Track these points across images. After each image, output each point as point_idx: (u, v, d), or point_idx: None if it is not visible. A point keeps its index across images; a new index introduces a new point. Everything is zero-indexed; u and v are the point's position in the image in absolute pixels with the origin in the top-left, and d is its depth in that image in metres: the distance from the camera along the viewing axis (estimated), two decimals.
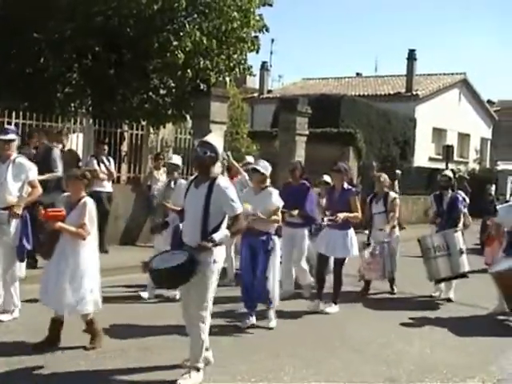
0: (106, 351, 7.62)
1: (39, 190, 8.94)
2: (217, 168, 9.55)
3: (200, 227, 6.72)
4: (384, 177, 12.60)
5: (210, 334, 7.96)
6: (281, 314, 9.89)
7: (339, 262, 10.75)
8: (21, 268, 8.87)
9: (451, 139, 38.74)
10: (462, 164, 38.72)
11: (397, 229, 12.67)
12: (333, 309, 10.63)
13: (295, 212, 10.88)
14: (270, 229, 9.27)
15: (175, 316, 7.83)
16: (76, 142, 16.43)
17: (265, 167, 9.38)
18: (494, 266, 10.94)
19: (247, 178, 11.99)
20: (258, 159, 10.32)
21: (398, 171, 25.07)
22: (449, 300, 11.92)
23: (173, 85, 17.46)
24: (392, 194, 12.54)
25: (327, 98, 28.90)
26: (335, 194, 10.72)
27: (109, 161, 14.74)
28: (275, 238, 9.30)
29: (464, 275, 11.90)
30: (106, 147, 14.85)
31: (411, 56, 37.43)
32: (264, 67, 43.52)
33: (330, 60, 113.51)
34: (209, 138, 7.08)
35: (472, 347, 9.01)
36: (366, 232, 12.53)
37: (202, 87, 16.96)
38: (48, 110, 15.36)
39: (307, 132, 20.77)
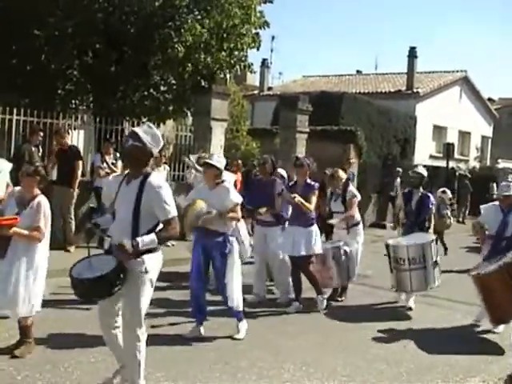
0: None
1: None
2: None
3: (130, 231, 5.88)
4: (339, 173, 11.46)
5: (211, 329, 8.03)
6: (280, 313, 9.97)
7: (304, 261, 10.32)
8: None
9: (452, 137, 38.68)
10: (462, 162, 38.63)
11: (360, 229, 11.53)
12: (322, 303, 10.45)
13: (263, 210, 10.39)
14: (227, 229, 8.47)
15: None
16: (77, 138, 16.42)
17: (218, 161, 8.60)
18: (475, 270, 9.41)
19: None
20: (212, 154, 9.50)
21: (399, 169, 25.06)
22: (410, 309, 10.91)
23: (173, 81, 17.47)
24: (350, 191, 11.36)
25: (328, 95, 28.80)
26: (297, 189, 10.24)
27: (116, 159, 14.54)
28: (233, 238, 8.51)
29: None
30: (112, 146, 14.66)
31: (412, 53, 37.32)
32: (264, 64, 43.44)
33: (330, 57, 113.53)
34: (136, 128, 6.28)
35: (472, 347, 9.01)
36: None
37: (203, 84, 16.94)
38: (49, 107, 15.33)
39: (308, 129, 20.75)
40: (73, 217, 13.54)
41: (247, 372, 7.26)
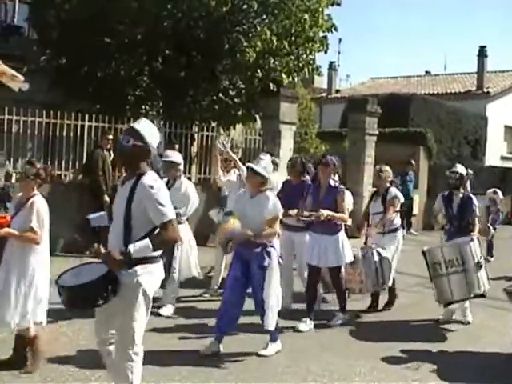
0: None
1: None
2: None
3: (122, 237, 5.27)
4: (385, 170, 10.66)
5: (282, 332, 8.03)
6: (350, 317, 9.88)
7: (335, 272, 9.54)
8: None
9: None
10: None
11: (399, 236, 10.71)
12: (341, 319, 9.58)
13: (293, 211, 9.47)
14: (267, 240, 7.73)
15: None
16: None
17: (266, 168, 7.75)
18: None
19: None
20: (260, 155, 8.15)
21: (469, 171, 24.70)
22: (468, 323, 10.08)
23: (242, 86, 17.54)
24: (392, 191, 10.53)
25: (396, 97, 28.64)
26: (320, 192, 9.35)
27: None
28: (272, 249, 7.73)
29: (482, 295, 9.71)
30: (174, 147, 14.72)
31: (482, 53, 36.88)
32: (332, 67, 43.40)
33: (398, 58, 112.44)
34: (136, 125, 5.48)
35: None
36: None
37: (272, 87, 16.97)
38: (120, 113, 15.59)
39: (377, 132, 20.63)
40: None
41: (318, 375, 7.26)
